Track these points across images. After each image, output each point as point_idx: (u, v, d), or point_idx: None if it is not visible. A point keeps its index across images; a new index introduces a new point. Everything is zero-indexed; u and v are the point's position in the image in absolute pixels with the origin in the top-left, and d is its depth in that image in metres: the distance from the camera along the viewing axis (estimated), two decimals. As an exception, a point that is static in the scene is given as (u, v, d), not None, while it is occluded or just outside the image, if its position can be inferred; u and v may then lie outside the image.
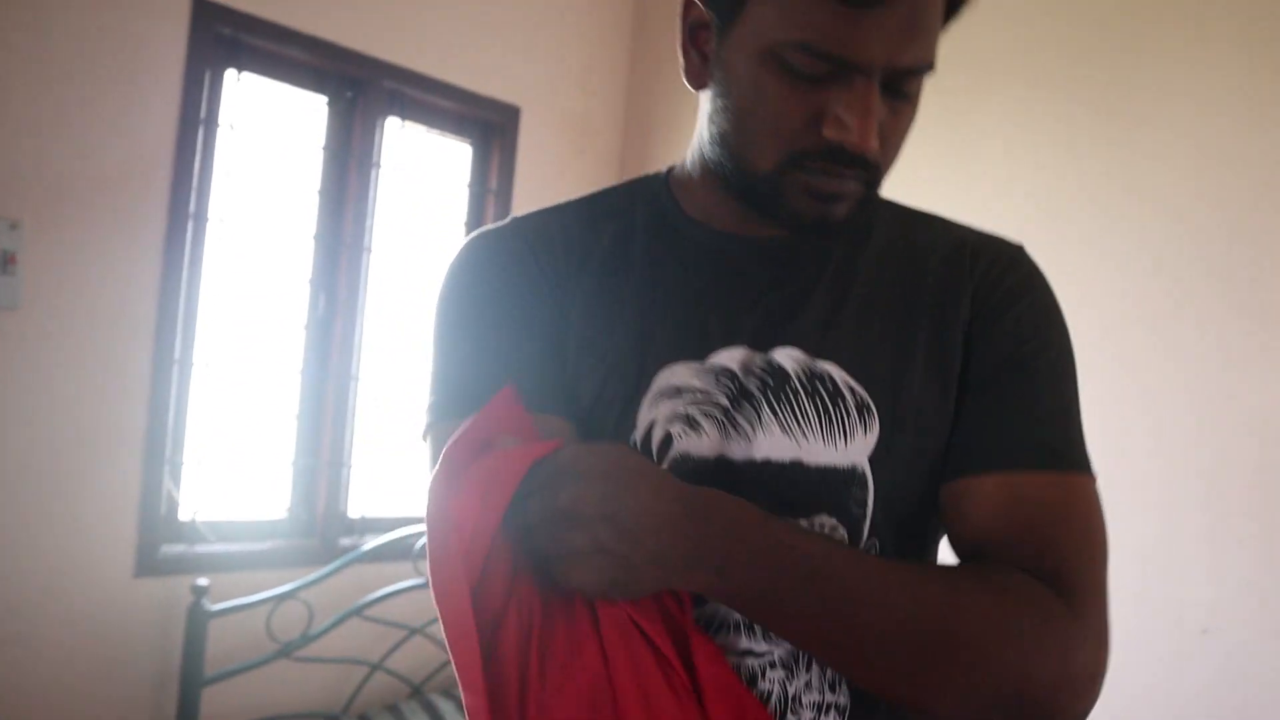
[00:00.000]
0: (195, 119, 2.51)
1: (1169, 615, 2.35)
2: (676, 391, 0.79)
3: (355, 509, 2.92)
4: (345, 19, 2.79)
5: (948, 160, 2.70)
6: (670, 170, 0.93)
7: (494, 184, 3.18)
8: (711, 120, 0.80)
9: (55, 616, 2.34)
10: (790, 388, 0.78)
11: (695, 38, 0.81)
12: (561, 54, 3.37)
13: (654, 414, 0.79)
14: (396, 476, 3.06)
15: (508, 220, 0.90)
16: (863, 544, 0.77)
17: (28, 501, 2.29)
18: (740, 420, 0.78)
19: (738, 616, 0.77)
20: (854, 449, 0.77)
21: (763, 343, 0.80)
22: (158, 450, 2.48)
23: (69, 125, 2.33)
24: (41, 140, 2.30)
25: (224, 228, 2.61)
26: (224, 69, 2.60)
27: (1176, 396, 2.41)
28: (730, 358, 0.79)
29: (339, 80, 2.83)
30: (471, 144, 3.19)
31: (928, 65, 0.73)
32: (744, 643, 0.77)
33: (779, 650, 0.77)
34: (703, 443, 0.78)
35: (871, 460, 0.77)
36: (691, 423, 0.78)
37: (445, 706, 2.77)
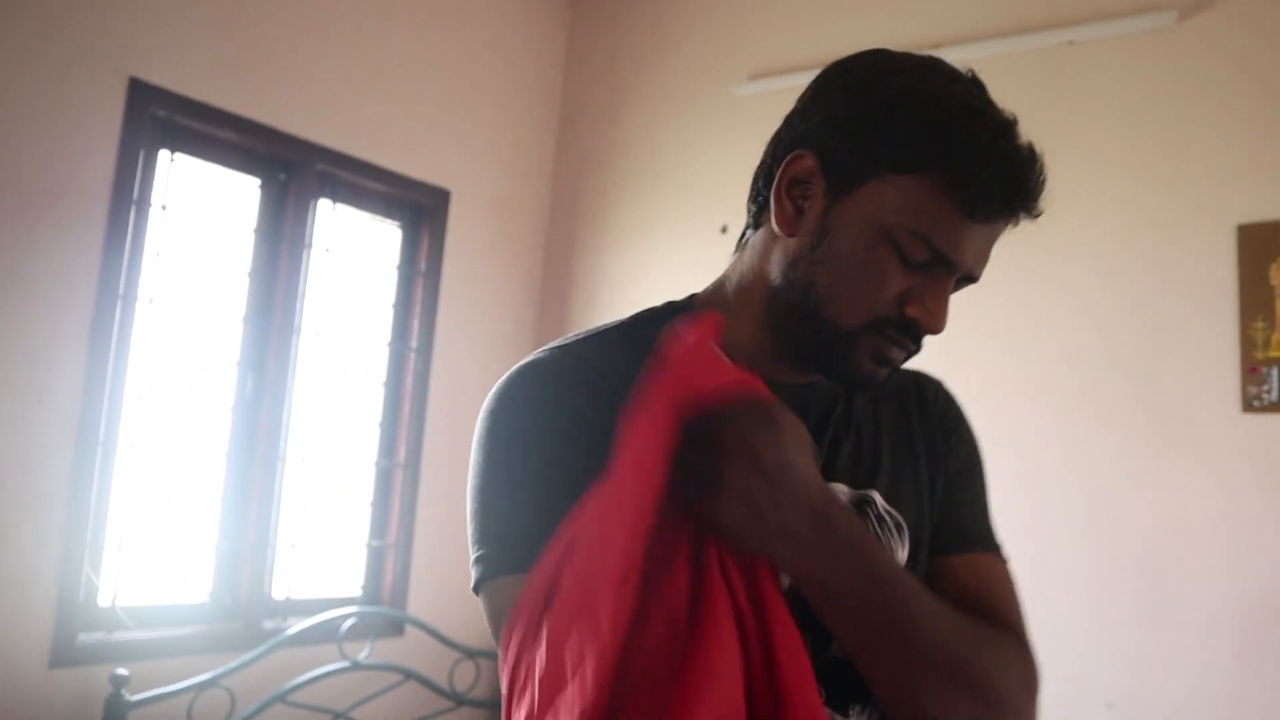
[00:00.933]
0: (128, 199, 2.51)
1: (1077, 691, 2.47)
2: None
3: (280, 590, 2.88)
4: (279, 102, 2.83)
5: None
6: (692, 300, 0.98)
7: (423, 265, 3.23)
8: (796, 267, 0.87)
9: (-35, 711, 2.25)
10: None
11: (792, 190, 0.88)
12: (491, 139, 3.46)
13: None
14: (323, 557, 3.03)
15: (551, 351, 0.90)
16: None
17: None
18: None
19: None
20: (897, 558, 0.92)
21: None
22: (78, 534, 2.42)
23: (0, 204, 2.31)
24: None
25: (153, 308, 2.60)
26: (157, 150, 2.61)
27: (1086, 492, 2.57)
28: None
29: (271, 162, 2.86)
30: (401, 226, 3.24)
31: (978, 279, 0.89)
32: None
33: None
34: None
35: (906, 565, 0.91)
36: None
37: (370, 794, 2.72)
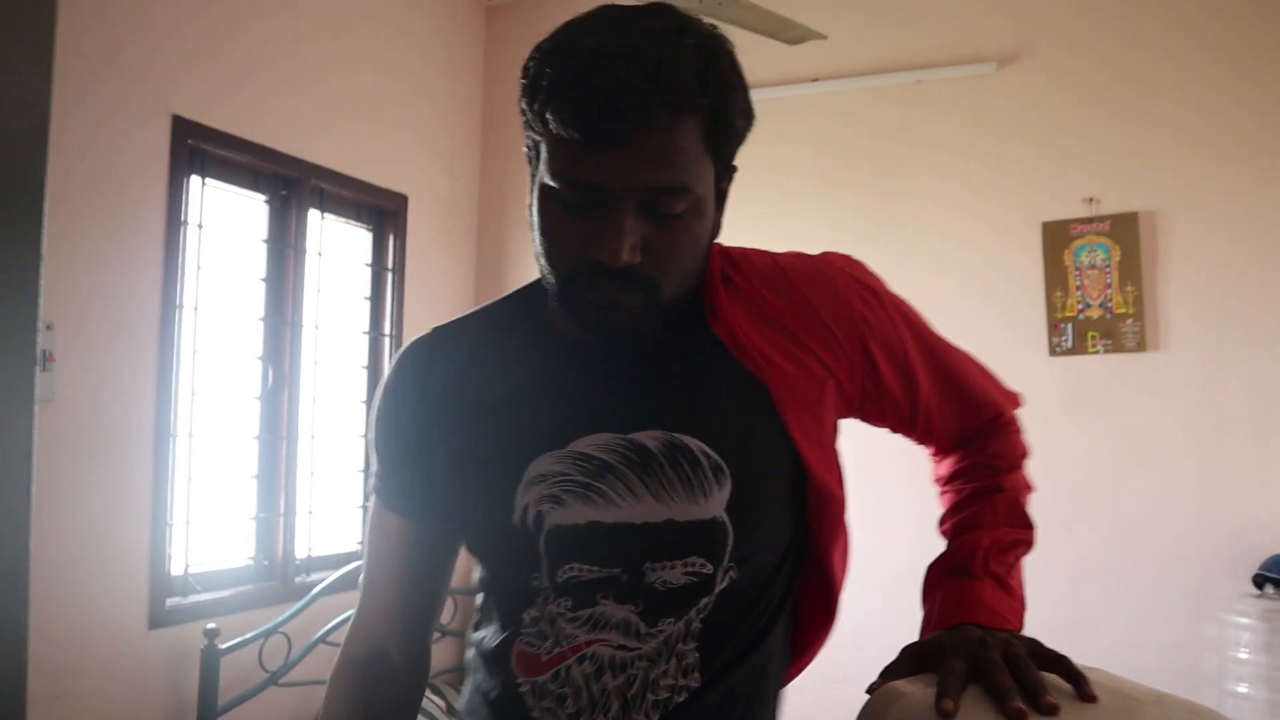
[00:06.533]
0: (178, 221, 2.87)
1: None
2: (542, 478, 0.94)
3: (301, 550, 3.34)
4: (280, 127, 3.23)
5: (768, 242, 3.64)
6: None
7: (390, 262, 3.71)
8: (533, 241, 0.94)
9: (90, 672, 2.63)
10: (655, 462, 0.93)
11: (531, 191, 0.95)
12: (433, 146, 3.95)
13: (526, 499, 0.95)
14: (334, 520, 3.51)
15: (430, 332, 1.09)
16: (723, 570, 0.94)
17: (60, 573, 2.57)
18: (606, 490, 0.93)
19: (621, 617, 0.93)
20: (713, 504, 0.93)
21: (625, 427, 0.95)
22: (161, 514, 2.82)
23: (83, 238, 2.64)
24: (60, 250, 2.59)
25: (196, 315, 2.98)
26: (191, 175, 2.97)
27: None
28: (587, 443, 0.94)
29: (274, 180, 3.26)
30: (370, 229, 3.69)
31: (680, 187, 0.86)
32: (620, 639, 0.94)
33: (646, 647, 0.93)
34: (569, 513, 0.94)
35: (728, 509, 0.93)
36: (557, 500, 0.94)
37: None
